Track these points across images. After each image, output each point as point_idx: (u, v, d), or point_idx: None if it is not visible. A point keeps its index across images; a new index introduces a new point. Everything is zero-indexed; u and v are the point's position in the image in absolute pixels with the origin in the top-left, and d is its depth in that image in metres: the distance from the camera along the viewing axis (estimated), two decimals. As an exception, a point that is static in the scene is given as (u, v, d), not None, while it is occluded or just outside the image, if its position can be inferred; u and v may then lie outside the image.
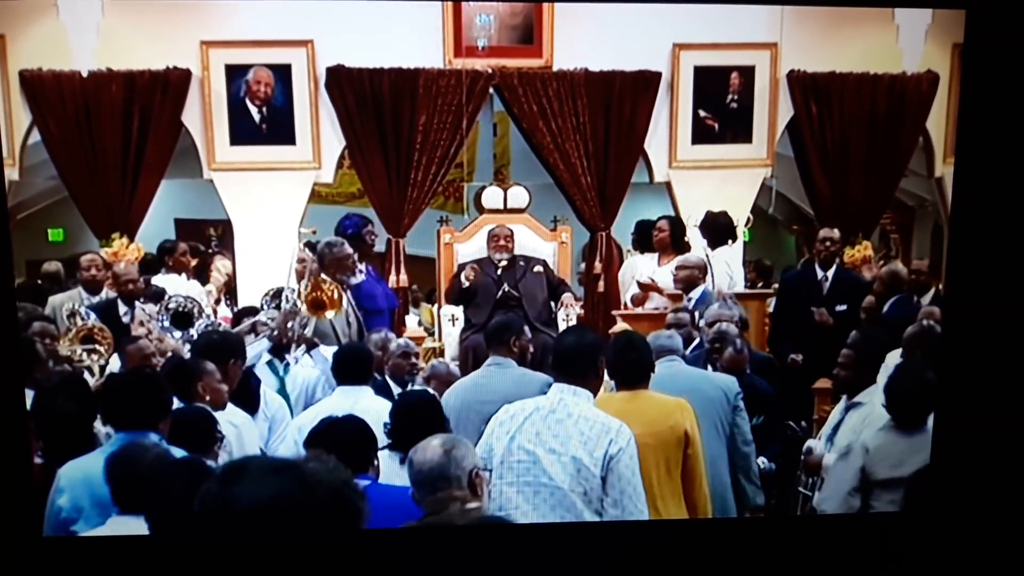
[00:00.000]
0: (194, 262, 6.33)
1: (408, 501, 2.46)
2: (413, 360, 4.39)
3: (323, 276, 4.77)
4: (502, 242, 6.07)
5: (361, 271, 5.50)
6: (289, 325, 4.46)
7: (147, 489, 2.47)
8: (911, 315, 4.66)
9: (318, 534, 1.27)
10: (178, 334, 4.72)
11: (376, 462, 2.91)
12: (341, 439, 2.79)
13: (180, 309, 4.83)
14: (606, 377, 3.14)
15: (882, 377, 3.68)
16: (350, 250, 5.22)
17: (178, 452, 2.88)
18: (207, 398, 3.42)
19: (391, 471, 3.03)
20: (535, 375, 3.81)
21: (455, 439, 2.48)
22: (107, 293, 5.44)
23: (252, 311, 4.97)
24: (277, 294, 4.95)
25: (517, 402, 2.93)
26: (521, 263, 6.09)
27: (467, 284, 5.87)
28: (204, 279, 6.27)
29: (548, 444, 2.75)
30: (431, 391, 3.74)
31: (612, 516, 2.71)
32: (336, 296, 4.55)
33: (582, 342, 2.95)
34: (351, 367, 3.90)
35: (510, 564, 2.47)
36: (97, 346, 4.40)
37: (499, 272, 6.02)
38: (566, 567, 2.58)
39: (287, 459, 1.41)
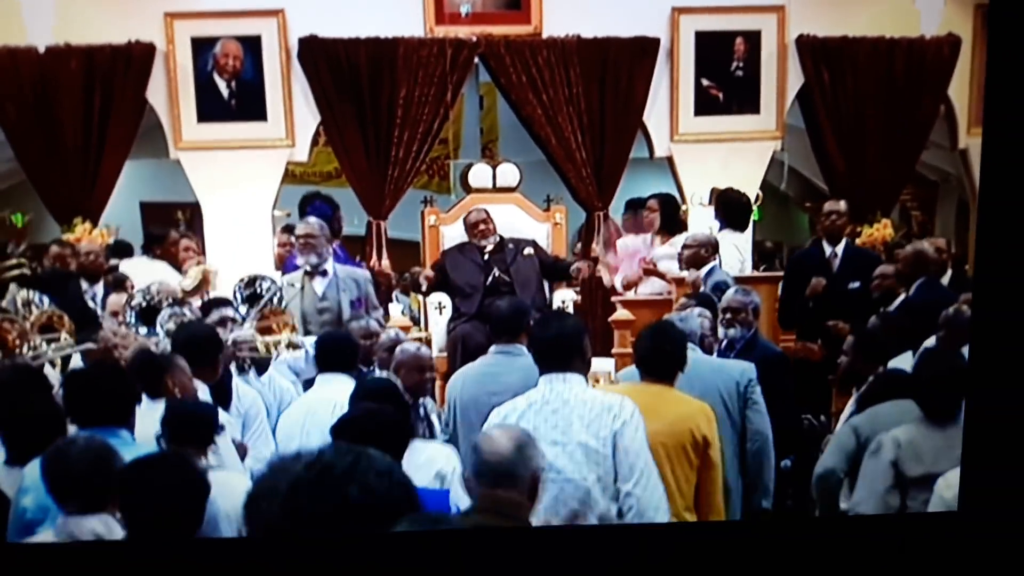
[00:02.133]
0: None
1: (437, 505, 2.34)
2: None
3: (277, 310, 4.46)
4: (481, 227, 5.67)
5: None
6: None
7: (88, 486, 2.39)
8: (941, 298, 4.29)
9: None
10: (144, 330, 4.44)
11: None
12: (375, 431, 2.59)
13: (145, 304, 4.60)
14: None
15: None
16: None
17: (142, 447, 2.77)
18: (176, 393, 3.27)
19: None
20: None
21: (527, 435, 2.37)
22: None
23: (223, 302, 4.65)
24: (251, 283, 4.71)
25: (507, 403, 2.87)
26: (510, 246, 5.72)
27: (426, 287, 5.67)
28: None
29: (549, 437, 2.69)
30: (394, 379, 3.43)
31: (626, 494, 2.68)
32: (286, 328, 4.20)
33: (564, 328, 2.94)
34: (332, 355, 3.70)
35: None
36: (58, 334, 4.14)
37: (486, 257, 5.63)
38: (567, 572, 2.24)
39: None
